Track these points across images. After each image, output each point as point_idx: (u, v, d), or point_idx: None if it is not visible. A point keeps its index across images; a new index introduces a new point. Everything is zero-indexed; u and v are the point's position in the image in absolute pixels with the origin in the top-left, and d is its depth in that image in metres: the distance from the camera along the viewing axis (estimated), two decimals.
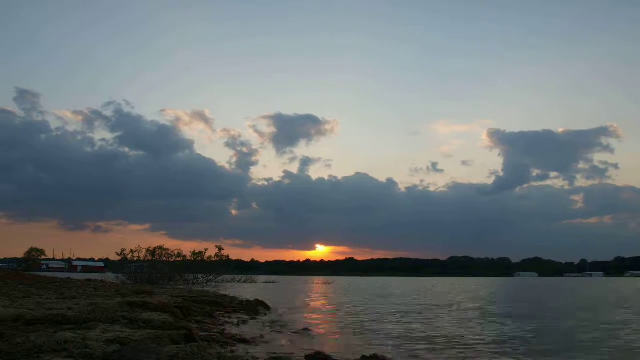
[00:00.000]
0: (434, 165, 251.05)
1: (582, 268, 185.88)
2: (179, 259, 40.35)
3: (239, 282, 44.21)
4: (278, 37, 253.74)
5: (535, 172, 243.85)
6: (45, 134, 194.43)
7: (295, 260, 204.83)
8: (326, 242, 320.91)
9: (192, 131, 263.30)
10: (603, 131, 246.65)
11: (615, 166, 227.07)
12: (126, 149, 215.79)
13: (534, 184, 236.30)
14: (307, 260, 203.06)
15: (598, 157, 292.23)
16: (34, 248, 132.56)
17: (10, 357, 4.60)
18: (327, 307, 17.31)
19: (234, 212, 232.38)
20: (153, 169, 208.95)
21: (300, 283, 53.62)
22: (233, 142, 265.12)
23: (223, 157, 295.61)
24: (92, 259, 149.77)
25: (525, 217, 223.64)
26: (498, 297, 25.86)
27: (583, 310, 16.58)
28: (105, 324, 6.72)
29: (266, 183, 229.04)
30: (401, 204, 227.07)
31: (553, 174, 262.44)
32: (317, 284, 51.72)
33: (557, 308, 17.55)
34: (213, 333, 8.29)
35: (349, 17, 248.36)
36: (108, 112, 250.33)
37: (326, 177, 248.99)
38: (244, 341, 7.81)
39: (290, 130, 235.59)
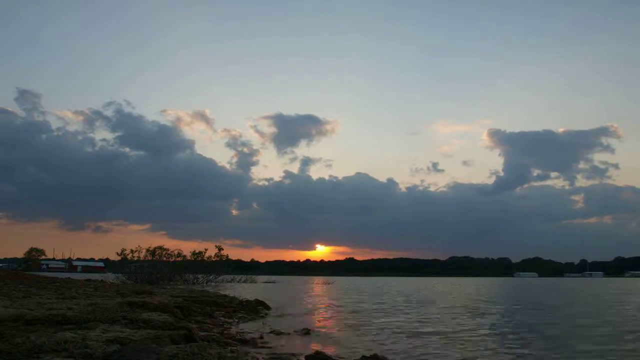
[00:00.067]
0: (435, 165, 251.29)
1: (582, 268, 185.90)
2: (179, 259, 40.36)
3: (239, 282, 44.22)
4: (278, 37, 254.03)
5: (535, 172, 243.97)
6: (46, 134, 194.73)
7: (295, 260, 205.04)
8: (326, 242, 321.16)
9: (192, 131, 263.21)
10: (603, 131, 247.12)
11: (616, 166, 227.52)
12: (127, 149, 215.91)
13: (535, 184, 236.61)
14: (307, 260, 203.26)
15: (598, 157, 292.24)
16: (34, 248, 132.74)
17: (10, 357, 4.60)
18: (327, 307, 17.31)
19: (234, 212, 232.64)
20: (154, 169, 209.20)
21: (300, 283, 53.62)
22: (234, 142, 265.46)
23: (224, 157, 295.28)
24: (92, 259, 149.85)
25: (526, 217, 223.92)
26: (499, 297, 25.87)
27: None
28: (105, 324, 6.72)
29: (267, 183, 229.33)
30: (401, 204, 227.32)
31: (553, 174, 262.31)
32: (317, 284, 51.72)
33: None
34: (213, 333, 8.30)
35: (349, 17, 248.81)
36: (109, 112, 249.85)
37: (327, 177, 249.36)
38: (244, 341, 7.82)
39: (291, 130, 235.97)
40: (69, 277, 28.36)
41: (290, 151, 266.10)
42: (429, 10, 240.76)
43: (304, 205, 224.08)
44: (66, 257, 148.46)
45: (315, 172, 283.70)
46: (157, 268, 37.00)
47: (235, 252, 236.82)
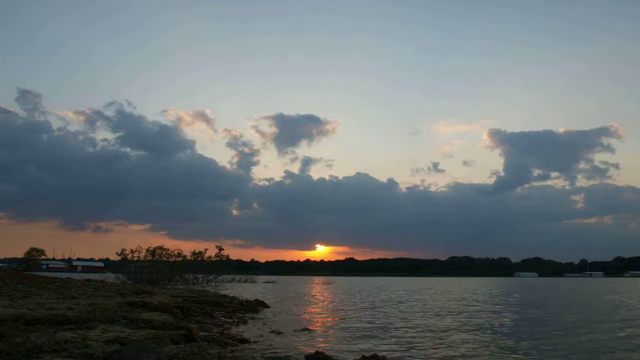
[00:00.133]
0: (435, 165, 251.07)
1: (582, 268, 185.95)
2: (179, 259, 40.37)
3: (239, 282, 44.24)
4: (279, 37, 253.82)
5: (536, 172, 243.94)
6: (47, 134, 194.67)
7: (296, 260, 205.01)
8: (326, 242, 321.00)
9: (193, 131, 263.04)
10: (604, 131, 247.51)
11: (616, 166, 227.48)
12: (128, 149, 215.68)
13: (535, 184, 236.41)
14: (307, 260, 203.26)
15: (599, 157, 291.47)
16: (34, 248, 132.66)
17: (11, 357, 4.61)
18: (327, 307, 17.32)
19: (234, 212, 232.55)
20: (154, 169, 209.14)
21: (300, 283, 53.64)
22: (234, 142, 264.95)
23: (224, 157, 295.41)
24: (92, 259, 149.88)
25: (526, 217, 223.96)
26: (498, 298, 25.88)
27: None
28: (105, 324, 6.73)
29: (267, 183, 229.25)
30: (402, 204, 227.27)
31: (554, 174, 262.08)
32: (317, 284, 51.73)
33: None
34: (213, 333, 8.30)
35: (349, 16, 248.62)
36: (110, 112, 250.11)
37: (327, 177, 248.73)
38: (243, 341, 7.82)
39: (292, 130, 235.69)
40: (69, 277, 28.37)
41: (290, 151, 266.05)
42: (429, 9, 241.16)
43: (305, 205, 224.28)
44: (66, 257, 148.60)
45: (316, 172, 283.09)
46: (157, 268, 37.01)
47: (236, 252, 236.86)
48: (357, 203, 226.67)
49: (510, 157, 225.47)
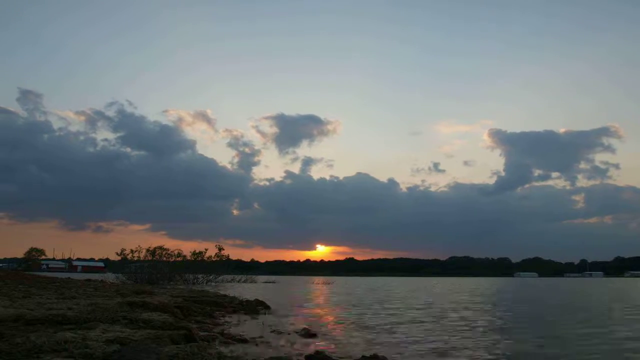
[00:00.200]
0: (436, 165, 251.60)
1: (582, 268, 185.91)
2: (179, 259, 40.36)
3: (239, 282, 44.21)
4: (280, 37, 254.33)
5: (536, 172, 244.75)
6: (47, 134, 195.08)
7: (296, 260, 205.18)
8: (326, 242, 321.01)
9: (194, 131, 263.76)
10: (604, 131, 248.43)
11: (617, 166, 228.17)
12: (128, 149, 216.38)
13: (536, 184, 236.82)
14: (307, 260, 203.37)
15: (599, 157, 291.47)
16: (34, 248, 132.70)
17: (10, 357, 4.60)
18: (327, 307, 17.32)
19: (235, 212, 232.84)
20: (155, 169, 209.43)
21: (300, 283, 53.60)
22: (235, 143, 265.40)
23: (225, 158, 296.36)
24: (92, 259, 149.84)
25: (526, 217, 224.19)
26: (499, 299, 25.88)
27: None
28: (105, 324, 6.72)
29: (268, 183, 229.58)
30: (402, 204, 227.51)
31: (554, 174, 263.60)
32: (317, 284, 51.68)
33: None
34: (213, 333, 8.30)
35: (350, 17, 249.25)
36: (110, 113, 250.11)
37: (328, 177, 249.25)
38: (244, 341, 7.82)
39: (293, 130, 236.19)
40: (69, 277, 28.36)
41: (291, 151, 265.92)
42: (429, 10, 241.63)
43: (305, 205, 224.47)
44: (66, 257, 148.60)
45: (316, 172, 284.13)
46: (157, 268, 37.00)
47: (236, 252, 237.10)
48: (357, 203, 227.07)
49: (511, 157, 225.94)
